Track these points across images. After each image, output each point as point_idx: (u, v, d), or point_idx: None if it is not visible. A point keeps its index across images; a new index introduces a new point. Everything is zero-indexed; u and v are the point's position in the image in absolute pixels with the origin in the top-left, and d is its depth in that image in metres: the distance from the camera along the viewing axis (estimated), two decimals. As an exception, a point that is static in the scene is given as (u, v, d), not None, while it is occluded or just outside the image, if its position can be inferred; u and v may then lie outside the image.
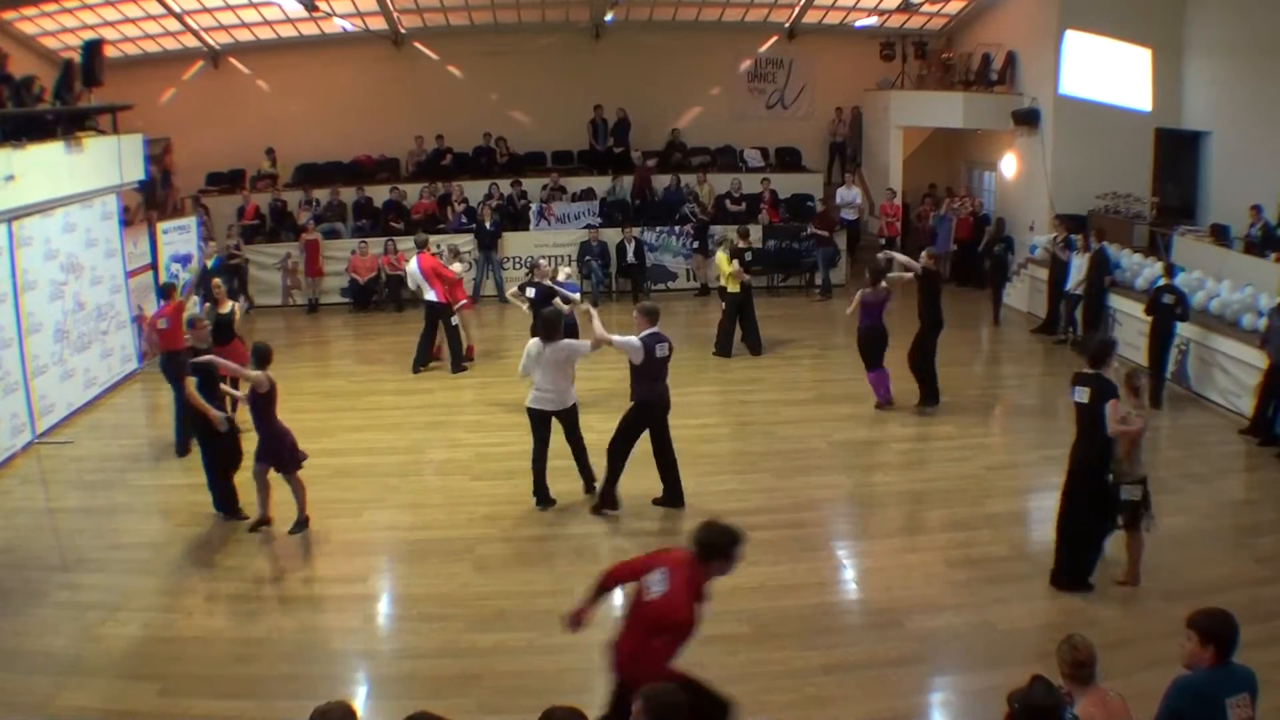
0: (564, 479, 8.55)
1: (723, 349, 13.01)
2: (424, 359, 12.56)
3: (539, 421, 8.28)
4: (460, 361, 12.56)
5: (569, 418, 8.33)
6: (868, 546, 7.90)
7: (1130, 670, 5.28)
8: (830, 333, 14.54)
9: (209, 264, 13.13)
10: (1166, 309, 11.10)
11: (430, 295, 12.16)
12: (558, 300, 10.50)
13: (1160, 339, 11.17)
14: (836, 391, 11.38)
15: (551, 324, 8.15)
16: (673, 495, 8.37)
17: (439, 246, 13.66)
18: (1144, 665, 5.48)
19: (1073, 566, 6.95)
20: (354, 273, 15.95)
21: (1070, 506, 6.93)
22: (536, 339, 8.26)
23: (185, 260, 13.41)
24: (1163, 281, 11.45)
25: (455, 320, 12.42)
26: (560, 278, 11.61)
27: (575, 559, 7.59)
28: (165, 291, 10.55)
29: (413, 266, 12.33)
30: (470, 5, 17.47)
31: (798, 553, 7.60)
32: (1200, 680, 3.97)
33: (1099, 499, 6.80)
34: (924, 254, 10.98)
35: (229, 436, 8.24)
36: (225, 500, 8.31)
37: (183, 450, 9.73)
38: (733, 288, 12.75)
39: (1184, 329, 11.37)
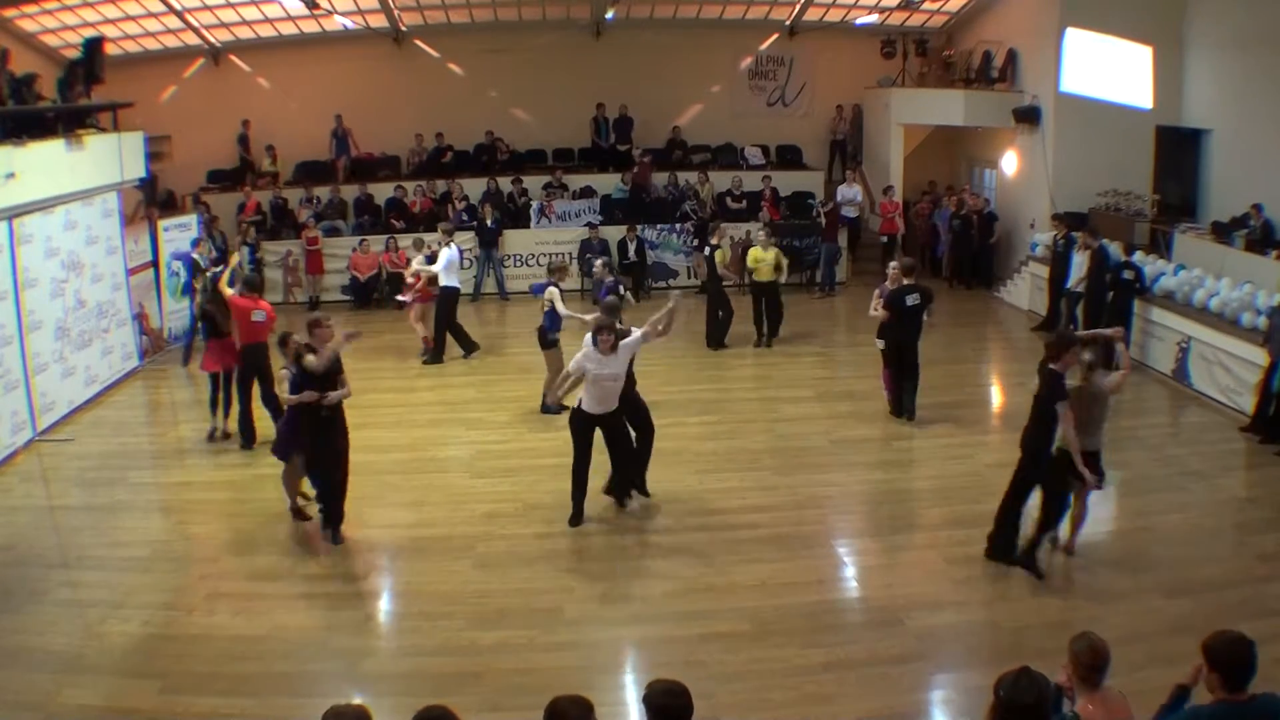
0: (564, 478, 8.54)
1: (769, 333, 13.36)
2: (468, 340, 12.93)
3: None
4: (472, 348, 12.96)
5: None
6: (868, 544, 7.90)
7: (1131, 668, 5.25)
8: (832, 330, 14.53)
9: (196, 259, 12.99)
10: (1127, 284, 11.95)
11: (452, 281, 12.47)
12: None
13: (1120, 313, 11.83)
14: (838, 389, 11.37)
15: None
16: (620, 486, 8.36)
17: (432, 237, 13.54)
18: (1145, 663, 5.48)
19: (999, 537, 7.30)
20: (355, 270, 15.97)
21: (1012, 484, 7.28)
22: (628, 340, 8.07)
23: (187, 258, 13.37)
24: (1122, 259, 12.38)
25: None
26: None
27: (576, 557, 7.61)
28: (250, 285, 10.01)
29: (453, 252, 12.55)
30: (471, 3, 17.45)
31: (798, 550, 7.61)
32: (1207, 716, 3.55)
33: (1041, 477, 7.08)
34: (892, 267, 10.51)
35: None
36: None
37: (249, 442, 9.88)
38: (759, 277, 13.06)
39: (1184, 326, 11.42)
